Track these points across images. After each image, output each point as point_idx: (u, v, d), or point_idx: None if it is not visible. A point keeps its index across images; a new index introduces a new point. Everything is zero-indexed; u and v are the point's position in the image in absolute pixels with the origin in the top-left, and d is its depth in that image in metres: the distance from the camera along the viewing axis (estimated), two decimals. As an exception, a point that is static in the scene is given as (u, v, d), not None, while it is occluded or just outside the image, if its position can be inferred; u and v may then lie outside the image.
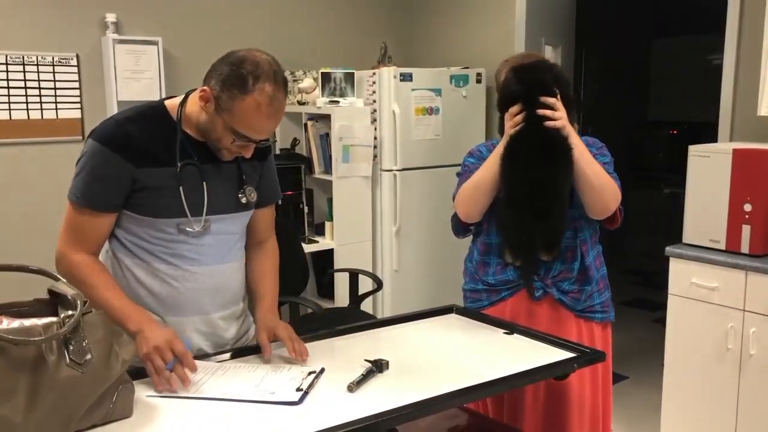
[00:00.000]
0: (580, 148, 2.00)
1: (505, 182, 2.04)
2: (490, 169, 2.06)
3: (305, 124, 4.14)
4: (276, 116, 1.61)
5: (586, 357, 1.80)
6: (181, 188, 1.67)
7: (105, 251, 1.76)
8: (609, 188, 2.02)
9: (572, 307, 2.13)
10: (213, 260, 1.75)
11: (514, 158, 2.02)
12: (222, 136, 1.64)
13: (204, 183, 1.70)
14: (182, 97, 1.73)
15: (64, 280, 1.41)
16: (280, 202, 3.65)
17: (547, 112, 1.96)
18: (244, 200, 1.78)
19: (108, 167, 1.62)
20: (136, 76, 3.73)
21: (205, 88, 1.62)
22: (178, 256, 1.71)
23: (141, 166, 1.64)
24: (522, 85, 2.02)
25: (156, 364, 1.52)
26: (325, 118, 4.03)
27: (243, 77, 1.56)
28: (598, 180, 1.99)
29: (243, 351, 1.80)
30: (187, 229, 1.69)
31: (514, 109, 2.00)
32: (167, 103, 1.74)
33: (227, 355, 1.77)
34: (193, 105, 1.69)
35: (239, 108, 1.58)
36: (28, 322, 1.28)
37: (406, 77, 4.01)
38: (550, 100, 1.97)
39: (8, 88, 3.50)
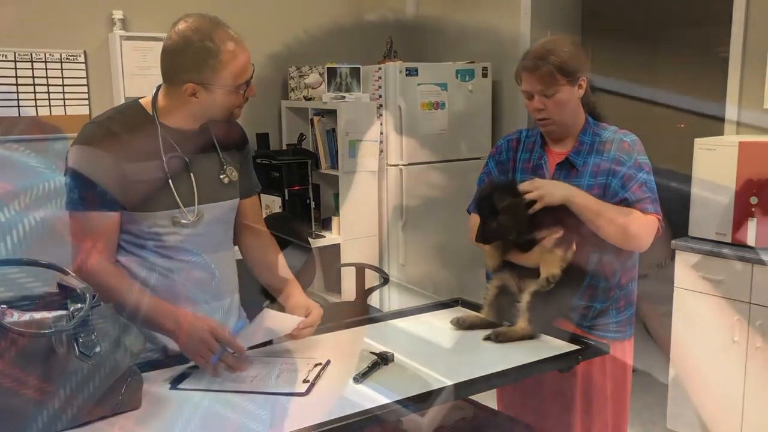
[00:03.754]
0: (586, 207, 1.87)
1: None
2: None
3: (311, 120, 4.15)
4: (244, 45, 1.69)
5: (591, 350, 1.81)
6: (170, 180, 1.70)
7: None
8: (627, 226, 1.90)
9: (579, 323, 2.04)
10: (206, 250, 1.77)
11: None
12: (233, 101, 1.69)
13: (191, 173, 1.74)
14: (153, 93, 1.76)
15: (73, 274, 1.43)
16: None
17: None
18: (226, 180, 1.80)
19: (98, 167, 1.64)
20: (143, 73, 3.75)
21: (186, 86, 1.65)
22: (172, 249, 1.73)
23: (128, 161, 1.66)
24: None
25: (206, 361, 1.55)
26: (332, 114, 4.04)
27: (204, 48, 1.63)
28: (608, 224, 1.88)
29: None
30: (182, 220, 1.72)
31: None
32: (141, 101, 1.78)
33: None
34: (164, 98, 1.72)
35: (223, 68, 1.64)
36: (38, 315, 1.30)
37: (411, 72, 4.02)
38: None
39: (17, 84, 3.52)
